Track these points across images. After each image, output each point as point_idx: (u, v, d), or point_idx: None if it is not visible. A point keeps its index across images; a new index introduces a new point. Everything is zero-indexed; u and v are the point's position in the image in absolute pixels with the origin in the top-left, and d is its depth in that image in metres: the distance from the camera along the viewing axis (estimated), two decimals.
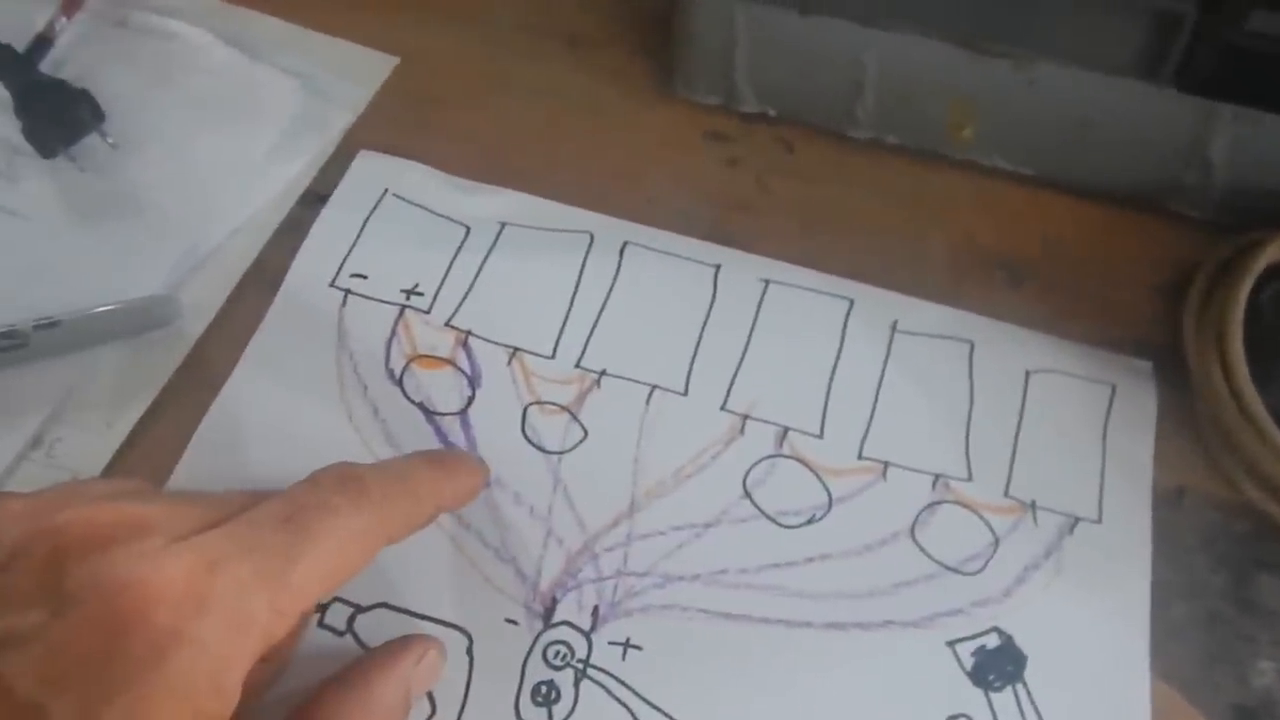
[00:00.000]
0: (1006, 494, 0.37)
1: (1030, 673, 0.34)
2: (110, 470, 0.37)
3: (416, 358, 0.40)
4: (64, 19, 0.46)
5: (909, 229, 0.43)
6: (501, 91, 0.47)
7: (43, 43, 0.45)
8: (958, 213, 0.44)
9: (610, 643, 0.34)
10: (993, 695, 0.33)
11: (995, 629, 0.34)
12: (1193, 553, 0.36)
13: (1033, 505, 0.37)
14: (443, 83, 0.47)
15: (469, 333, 0.40)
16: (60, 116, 0.43)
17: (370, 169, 0.44)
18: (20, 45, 0.45)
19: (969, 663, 0.34)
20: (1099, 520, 0.37)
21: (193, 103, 0.45)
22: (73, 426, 0.37)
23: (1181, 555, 0.36)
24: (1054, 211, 0.44)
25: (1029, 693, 0.33)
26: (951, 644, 0.34)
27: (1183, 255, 0.42)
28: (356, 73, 0.47)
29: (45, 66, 0.45)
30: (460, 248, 0.42)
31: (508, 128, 0.46)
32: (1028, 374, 0.40)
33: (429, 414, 0.38)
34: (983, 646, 0.34)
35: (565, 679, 0.33)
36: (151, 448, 0.37)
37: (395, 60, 0.47)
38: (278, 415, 0.38)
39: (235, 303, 0.40)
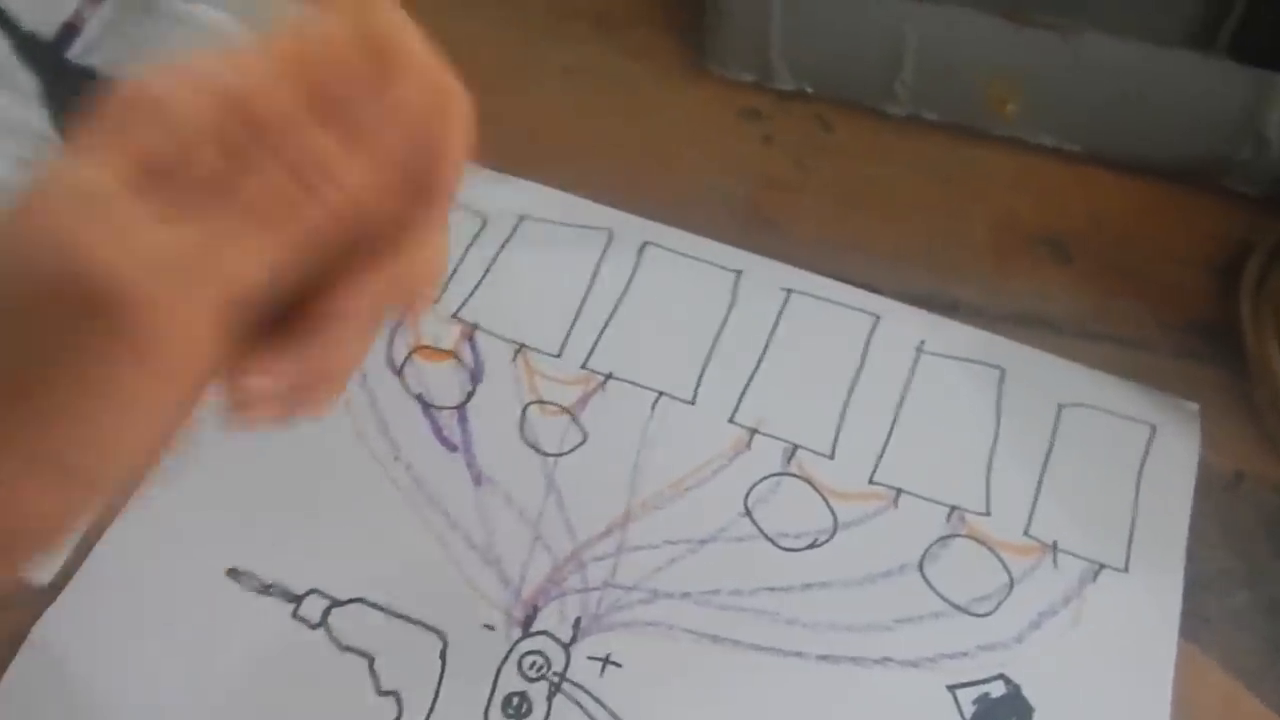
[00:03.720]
0: (1027, 533, 0.35)
1: None
2: None
3: (419, 348, 0.39)
4: (92, 6, 0.46)
5: (950, 207, 0.42)
6: (529, 73, 0.46)
7: (70, 30, 0.45)
8: (1000, 190, 0.42)
9: (589, 657, 0.32)
10: None
11: (1002, 676, 0.32)
12: (1253, 539, 0.34)
13: (1054, 547, 0.34)
14: (468, 65, 0.46)
15: (476, 326, 0.39)
16: (88, 105, 0.43)
17: None
18: (48, 33, 0.45)
19: (969, 710, 0.31)
20: (1125, 570, 0.34)
21: None
22: None
23: (1242, 541, 0.34)
24: (1101, 188, 0.42)
25: None
26: (952, 689, 0.32)
27: (1236, 233, 0.41)
28: None
29: (73, 54, 0.45)
30: (475, 239, 0.41)
31: (536, 110, 0.45)
32: (1060, 407, 0.37)
33: (426, 407, 0.37)
34: (986, 694, 0.32)
35: (539, 692, 0.32)
36: None
37: None
38: None
39: None
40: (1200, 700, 0.31)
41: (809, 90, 0.44)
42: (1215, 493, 0.35)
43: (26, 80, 0.43)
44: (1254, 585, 0.33)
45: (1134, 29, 0.38)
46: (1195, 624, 0.33)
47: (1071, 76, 0.40)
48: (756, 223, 0.41)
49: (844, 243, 0.40)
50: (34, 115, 0.43)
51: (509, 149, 0.43)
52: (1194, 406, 0.37)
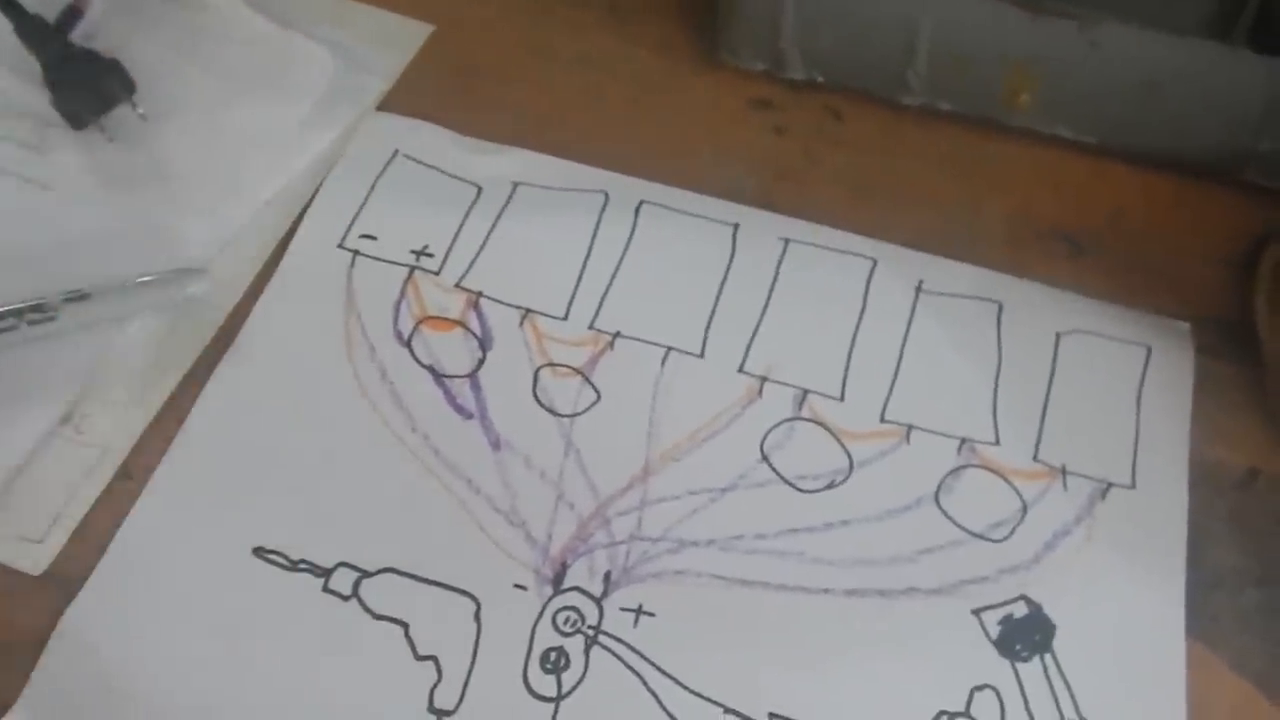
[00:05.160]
0: (1035, 458, 0.36)
1: (1059, 642, 0.32)
2: (141, 446, 0.36)
3: (426, 319, 0.39)
4: None
5: (965, 199, 0.42)
6: (540, 60, 0.45)
7: (73, 13, 0.44)
8: (1015, 182, 0.42)
9: (622, 609, 0.33)
10: (1019, 666, 0.32)
11: (1023, 597, 0.33)
12: (1266, 537, 0.34)
13: (1063, 470, 0.35)
14: (479, 51, 0.46)
15: (480, 294, 0.39)
16: (91, 87, 0.42)
17: (381, 129, 0.43)
18: (51, 16, 0.44)
19: (995, 632, 0.32)
20: (1133, 486, 0.35)
21: (224, 73, 0.44)
22: (102, 402, 0.36)
23: (1254, 539, 0.34)
24: (1118, 181, 0.42)
25: (1058, 663, 0.32)
26: (977, 612, 0.33)
27: (1255, 227, 0.40)
28: (390, 41, 0.45)
29: (76, 37, 0.44)
30: (471, 208, 0.41)
31: (547, 97, 0.44)
32: (1058, 335, 0.38)
33: (438, 376, 0.37)
34: (1010, 615, 0.33)
35: (575, 646, 0.32)
36: (182, 423, 0.36)
37: (430, 28, 0.46)
38: (284, 375, 0.37)
39: (266, 276, 0.39)
40: (1210, 701, 0.31)
41: (820, 80, 0.44)
42: (1228, 490, 0.35)
43: (29, 62, 0.42)
44: (1266, 585, 0.33)
45: (1152, 18, 0.38)
46: (1205, 623, 0.33)
47: (1088, 67, 0.39)
48: (769, 211, 0.41)
49: (856, 233, 0.40)
50: (36, 98, 0.42)
51: (516, 132, 0.43)
52: (1184, 325, 0.39)
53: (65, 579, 0.33)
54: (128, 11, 0.46)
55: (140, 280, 0.38)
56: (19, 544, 0.34)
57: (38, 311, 0.37)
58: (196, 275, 0.39)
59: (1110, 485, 0.35)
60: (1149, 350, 0.38)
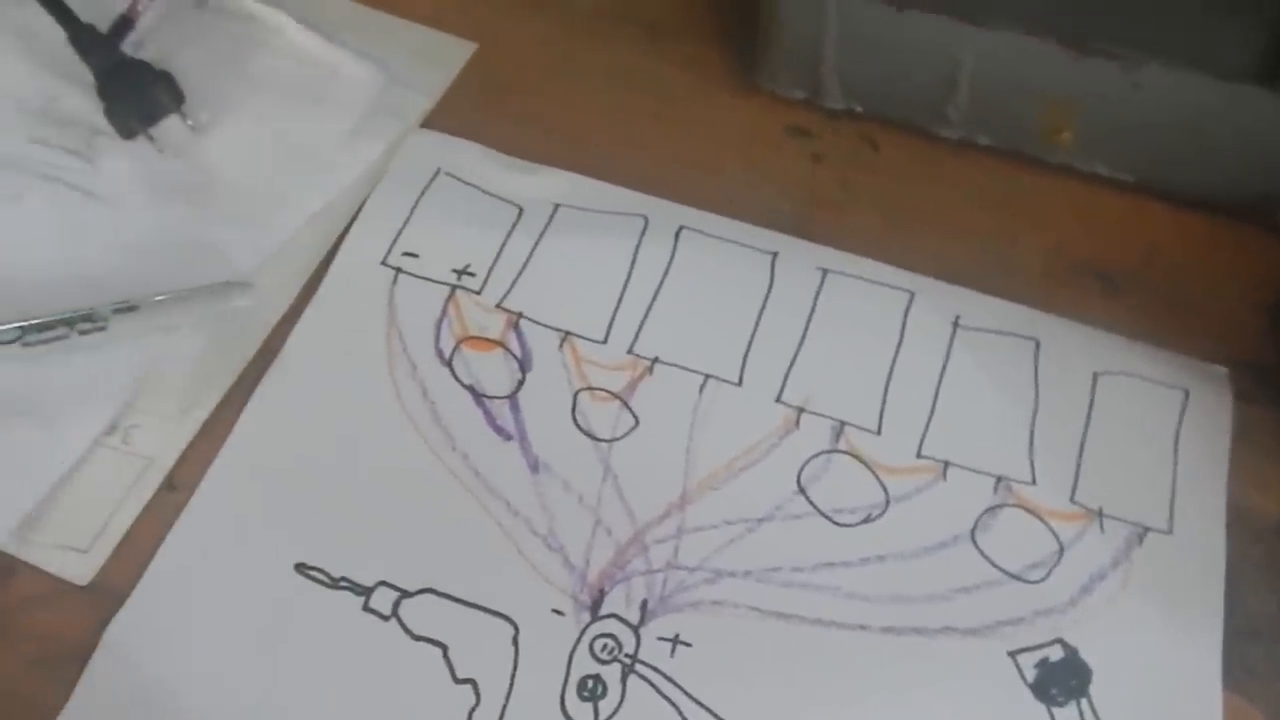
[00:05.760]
0: (1073, 500, 0.36)
1: (1096, 688, 0.32)
2: (186, 458, 0.36)
3: (466, 339, 0.39)
4: (146, 0, 0.45)
5: (1000, 232, 0.42)
6: (580, 79, 0.46)
7: (125, 24, 0.44)
8: (1051, 217, 0.42)
9: (659, 638, 0.33)
10: (1055, 710, 0.32)
11: (1059, 640, 0.33)
12: None
13: (1100, 513, 0.36)
14: (520, 69, 0.46)
15: (520, 315, 0.39)
16: (141, 98, 0.42)
17: (423, 147, 0.43)
18: (102, 26, 0.44)
19: (1031, 674, 0.33)
20: (1170, 532, 0.35)
21: (271, 87, 0.44)
22: (148, 414, 0.37)
23: None
24: (1154, 220, 0.42)
25: (1094, 709, 0.32)
26: (1013, 654, 0.33)
27: None
28: (434, 58, 0.46)
29: (125, 47, 0.44)
30: (513, 228, 0.41)
31: (585, 116, 0.45)
32: (1096, 375, 0.38)
33: (478, 396, 0.38)
34: (1045, 658, 0.33)
35: (612, 674, 0.33)
36: (226, 437, 0.36)
37: (473, 46, 0.46)
38: (326, 391, 0.38)
39: (310, 290, 0.40)
40: None
41: (858, 110, 0.44)
42: (1264, 536, 0.35)
43: (80, 71, 0.43)
44: None
45: (1198, 61, 0.37)
46: (1240, 675, 0.32)
47: (1129, 107, 0.39)
48: (804, 239, 0.41)
49: (889, 264, 0.40)
50: (86, 106, 0.42)
51: (554, 151, 0.43)
52: (1222, 370, 0.39)
53: (110, 589, 0.34)
54: (176, 23, 0.46)
55: (188, 291, 0.38)
56: (66, 554, 0.34)
57: (88, 321, 0.37)
58: (242, 288, 0.39)
59: (1147, 530, 0.35)
60: (1186, 394, 0.38)
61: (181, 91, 0.43)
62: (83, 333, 0.37)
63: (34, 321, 0.37)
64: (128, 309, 0.38)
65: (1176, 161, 0.41)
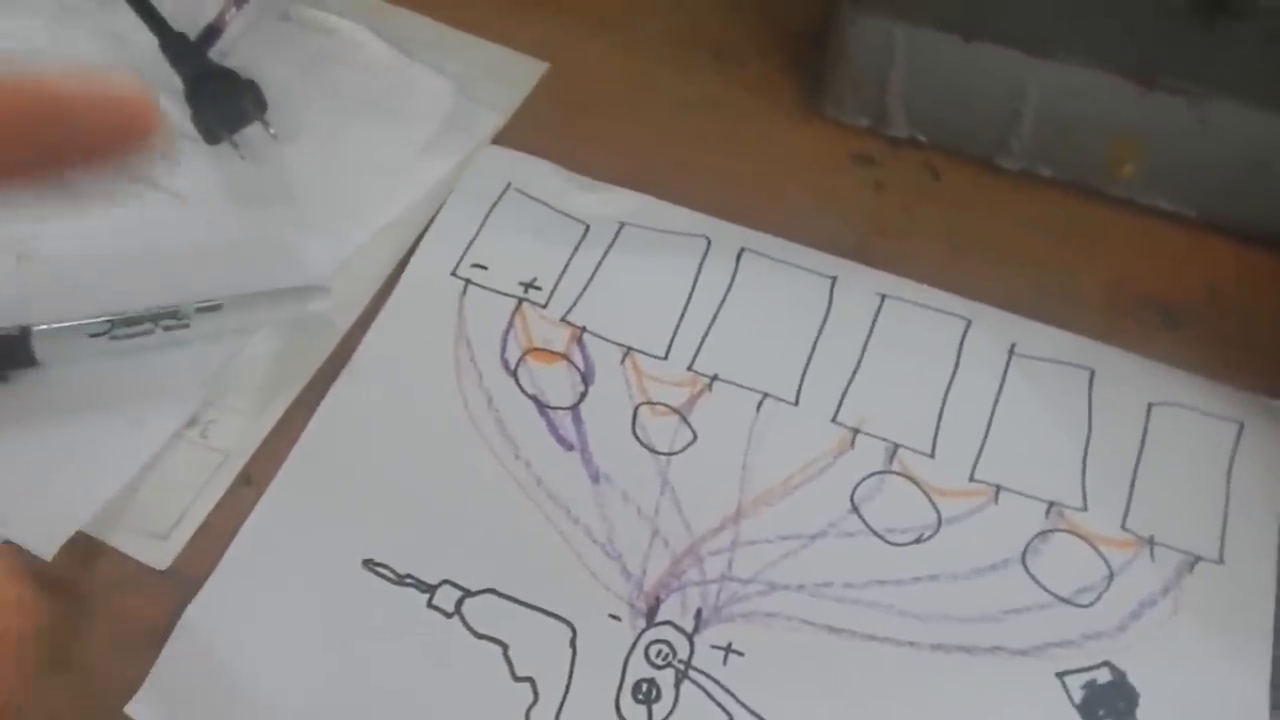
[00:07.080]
0: (1124, 527, 0.36)
1: (1143, 712, 0.33)
2: (261, 454, 0.38)
3: (531, 350, 0.40)
4: (234, 9, 0.47)
5: (1060, 264, 0.42)
6: (646, 101, 0.47)
7: (213, 32, 0.46)
8: (1111, 250, 0.43)
9: (712, 646, 0.34)
10: None
11: (1107, 664, 0.34)
12: None
13: (1151, 541, 0.36)
14: (590, 90, 0.48)
15: (584, 329, 0.41)
16: (227, 105, 0.44)
17: (494, 162, 0.45)
18: (191, 34, 0.46)
19: (1078, 696, 0.33)
20: (1220, 561, 0.35)
21: (349, 98, 0.46)
22: (226, 410, 0.38)
23: None
24: (1217, 255, 0.42)
25: None
26: (1061, 676, 0.34)
27: None
28: (507, 76, 0.47)
29: (211, 55, 0.46)
30: (579, 245, 0.43)
31: (651, 137, 0.46)
32: (1150, 406, 0.39)
33: (541, 407, 0.39)
34: (1093, 681, 0.33)
35: (666, 678, 0.34)
36: (298, 435, 0.38)
37: (545, 65, 0.48)
38: (396, 395, 0.39)
39: (382, 298, 0.41)
40: None
41: (921, 139, 0.45)
42: None
43: (169, 77, 0.45)
44: None
45: (1265, 99, 0.38)
46: None
47: (1195, 142, 0.40)
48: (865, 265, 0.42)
49: (950, 291, 0.41)
50: (178, 114, 0.44)
51: (620, 171, 0.45)
52: (1278, 404, 0.39)
53: (187, 575, 0.35)
54: (260, 33, 0.48)
55: (269, 293, 0.40)
56: (146, 539, 0.36)
57: (173, 318, 0.39)
58: (320, 292, 0.41)
59: (1198, 559, 0.36)
60: (1241, 426, 0.38)
61: (265, 100, 0.45)
62: (167, 329, 0.39)
63: (122, 316, 0.39)
64: (211, 308, 0.39)
65: (1241, 197, 0.41)
